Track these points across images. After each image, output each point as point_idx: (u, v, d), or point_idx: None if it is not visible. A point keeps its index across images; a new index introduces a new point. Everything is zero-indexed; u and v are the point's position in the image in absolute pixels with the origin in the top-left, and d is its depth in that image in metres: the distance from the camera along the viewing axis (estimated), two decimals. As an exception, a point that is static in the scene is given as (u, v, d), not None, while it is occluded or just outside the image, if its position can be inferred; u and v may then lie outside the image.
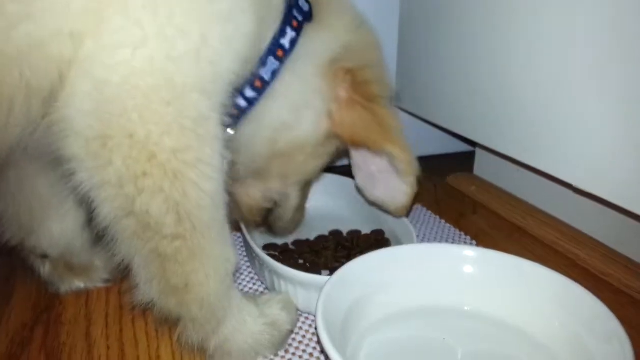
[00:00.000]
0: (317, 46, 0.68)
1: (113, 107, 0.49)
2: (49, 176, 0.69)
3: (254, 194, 0.79)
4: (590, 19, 0.67)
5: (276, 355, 0.63)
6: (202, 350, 0.59)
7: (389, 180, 0.76)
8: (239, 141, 0.69)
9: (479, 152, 1.15)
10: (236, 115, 0.67)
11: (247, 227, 0.81)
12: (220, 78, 0.54)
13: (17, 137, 0.52)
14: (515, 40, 0.81)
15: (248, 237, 0.76)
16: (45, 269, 0.76)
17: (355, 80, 0.69)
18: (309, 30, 0.67)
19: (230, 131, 0.66)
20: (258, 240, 0.84)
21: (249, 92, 0.65)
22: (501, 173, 1.07)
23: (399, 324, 0.64)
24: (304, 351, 0.64)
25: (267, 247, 0.83)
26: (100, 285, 0.78)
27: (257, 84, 0.65)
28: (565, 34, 0.71)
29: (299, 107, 0.70)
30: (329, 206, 0.95)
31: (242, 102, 0.66)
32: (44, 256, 0.75)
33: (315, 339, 0.67)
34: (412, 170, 0.72)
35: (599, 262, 0.81)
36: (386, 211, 0.81)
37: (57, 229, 0.74)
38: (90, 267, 0.78)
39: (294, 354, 0.64)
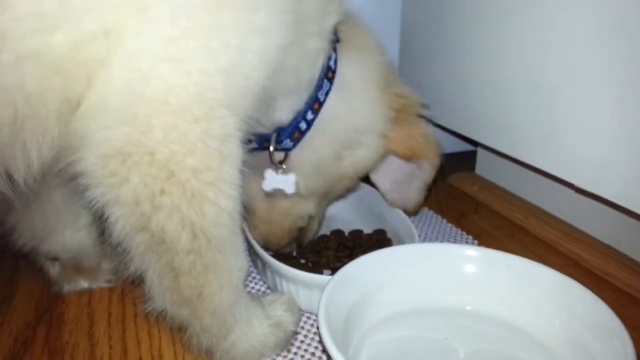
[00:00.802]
0: (364, 68, 0.71)
1: (139, 123, 0.48)
2: (64, 186, 0.69)
3: (295, 213, 0.78)
4: (590, 19, 0.67)
5: (279, 355, 0.63)
6: (208, 353, 0.59)
7: (407, 182, 0.82)
8: (302, 161, 0.72)
9: (480, 152, 1.15)
10: (296, 138, 0.69)
11: (271, 248, 0.81)
12: (250, 92, 0.54)
13: (55, 150, 0.51)
14: (515, 41, 0.81)
15: (250, 237, 0.76)
16: (54, 270, 0.76)
17: (406, 102, 0.74)
18: (341, 50, 0.69)
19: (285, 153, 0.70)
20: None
21: (309, 114, 0.68)
22: (503, 173, 1.07)
23: (401, 323, 0.65)
24: (305, 350, 0.65)
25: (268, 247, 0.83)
26: (104, 285, 0.78)
27: (316, 106, 0.67)
28: (564, 36, 0.71)
29: (360, 128, 0.72)
30: (331, 206, 0.95)
31: (303, 125, 0.68)
32: (55, 259, 0.76)
33: (317, 338, 0.67)
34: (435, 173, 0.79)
35: (600, 261, 0.81)
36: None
37: (70, 236, 0.75)
38: (97, 268, 0.78)
39: (295, 353, 0.64)
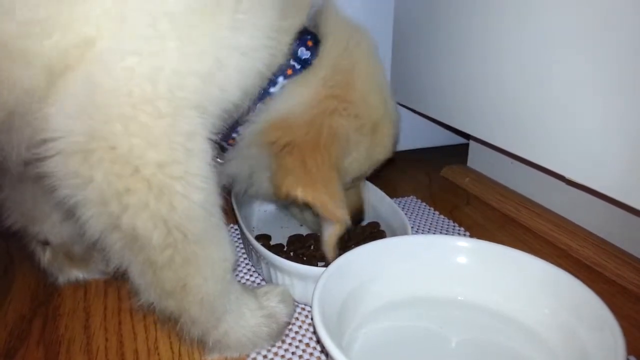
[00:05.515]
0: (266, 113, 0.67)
1: (100, 114, 0.48)
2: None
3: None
4: (581, 11, 0.68)
5: (273, 346, 0.64)
6: (201, 343, 0.60)
7: None
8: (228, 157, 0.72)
9: (472, 145, 1.16)
10: (232, 144, 0.70)
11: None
12: (222, 104, 0.55)
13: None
14: (508, 35, 0.81)
15: (245, 229, 0.76)
16: (45, 257, 0.76)
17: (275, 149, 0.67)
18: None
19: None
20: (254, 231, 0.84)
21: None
22: (494, 165, 1.08)
23: (394, 314, 0.65)
24: (300, 341, 0.65)
25: (260, 238, 0.83)
26: (99, 277, 0.78)
27: (231, 142, 0.69)
28: (557, 30, 0.72)
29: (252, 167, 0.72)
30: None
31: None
32: (46, 243, 0.75)
33: (311, 329, 0.67)
34: (330, 216, 0.67)
35: (591, 252, 0.82)
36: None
37: (59, 218, 0.74)
38: (89, 258, 0.78)
39: (290, 344, 0.65)
